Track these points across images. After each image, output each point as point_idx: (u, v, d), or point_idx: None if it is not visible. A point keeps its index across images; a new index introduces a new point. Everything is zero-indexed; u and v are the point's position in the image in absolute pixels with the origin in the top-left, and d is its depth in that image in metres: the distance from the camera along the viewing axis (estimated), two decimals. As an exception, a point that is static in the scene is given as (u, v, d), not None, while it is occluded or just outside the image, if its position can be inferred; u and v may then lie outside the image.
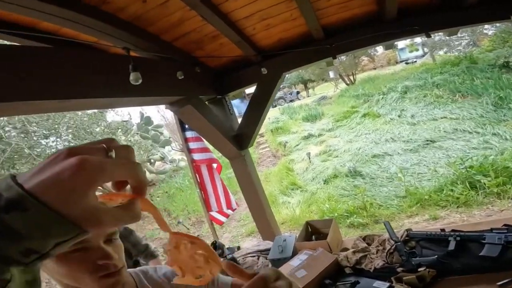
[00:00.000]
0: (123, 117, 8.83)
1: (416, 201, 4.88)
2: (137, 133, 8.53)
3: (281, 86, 4.25)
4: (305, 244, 2.00)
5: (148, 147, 7.98)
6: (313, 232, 2.29)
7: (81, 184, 0.26)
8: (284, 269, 1.73)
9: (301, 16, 1.95)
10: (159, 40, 1.86)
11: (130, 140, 7.63)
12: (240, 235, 5.88)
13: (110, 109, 7.58)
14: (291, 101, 17.73)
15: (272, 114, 12.35)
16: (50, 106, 1.19)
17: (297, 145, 9.48)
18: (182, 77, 1.75)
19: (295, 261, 1.81)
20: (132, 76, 1.27)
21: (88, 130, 6.05)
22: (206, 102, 2.43)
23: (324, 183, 6.71)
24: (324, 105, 12.98)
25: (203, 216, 6.72)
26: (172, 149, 11.23)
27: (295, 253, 1.95)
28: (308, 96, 19.68)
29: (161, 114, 13.74)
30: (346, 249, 1.89)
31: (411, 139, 7.26)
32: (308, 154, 8.24)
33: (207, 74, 2.40)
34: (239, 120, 2.59)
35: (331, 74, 17.89)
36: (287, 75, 2.68)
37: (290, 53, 2.31)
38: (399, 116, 8.67)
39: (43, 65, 1.14)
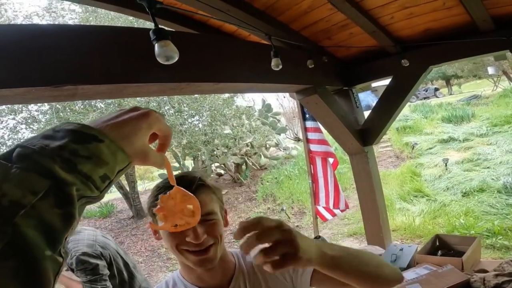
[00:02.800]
0: (248, 103, 9.83)
1: None
2: (258, 119, 9.30)
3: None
4: (428, 258, 1.76)
5: (265, 133, 8.60)
6: (440, 247, 1.98)
7: (143, 126, 0.37)
8: (396, 280, 1.58)
9: (459, 5, 1.70)
10: (288, 29, 1.95)
11: (252, 125, 8.42)
12: (341, 234, 5.66)
13: (239, 95, 8.54)
14: (425, 98, 15.24)
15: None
16: (205, 88, 1.48)
17: (431, 148, 8.11)
18: (313, 65, 1.79)
19: (410, 274, 1.63)
20: (273, 62, 1.39)
21: (222, 113, 7.08)
22: (332, 92, 2.40)
23: (463, 196, 5.60)
24: (476, 105, 10.46)
25: (306, 207, 6.79)
26: (287, 137, 11.70)
27: (411, 265, 1.75)
28: (451, 94, 16.50)
29: (279, 103, 14.47)
30: (484, 271, 1.58)
31: None
32: (445, 160, 6.92)
33: (334, 64, 2.36)
34: (366, 114, 2.45)
35: (490, 70, 14.04)
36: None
37: (440, 44, 2.00)
38: None
39: (200, 50, 1.41)
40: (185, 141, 6.71)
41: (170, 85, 1.35)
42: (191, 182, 0.69)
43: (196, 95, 6.66)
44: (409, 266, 1.73)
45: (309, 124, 2.75)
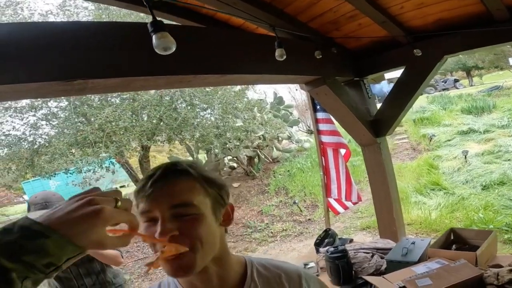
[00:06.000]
0: (260, 96, 9.81)
1: None
2: (270, 112, 9.27)
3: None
4: (441, 252, 1.72)
5: (277, 125, 8.58)
6: (455, 241, 1.93)
7: (95, 224, 0.40)
8: (403, 274, 1.56)
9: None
10: (296, 21, 1.93)
11: (263, 117, 8.40)
12: (353, 228, 5.59)
13: (250, 88, 8.52)
14: (444, 89, 14.74)
15: (417, 103, 10.53)
16: (212, 80, 1.49)
17: (449, 140, 7.87)
18: (320, 56, 1.77)
19: (421, 268, 1.59)
20: (277, 52, 1.39)
21: (234, 106, 7.09)
22: (342, 83, 2.37)
23: (483, 189, 5.43)
24: (497, 96, 10.05)
25: (319, 200, 6.74)
26: (299, 129, 11.62)
27: (423, 259, 1.71)
28: (472, 85, 15.91)
29: (291, 95, 14.39)
30: (499, 266, 1.53)
31: None
32: (465, 152, 6.69)
33: (344, 55, 2.33)
34: (378, 106, 2.40)
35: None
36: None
37: (455, 34, 1.94)
38: None
39: (205, 43, 1.42)
40: (198, 135, 6.78)
41: (177, 78, 1.37)
42: (160, 168, 0.60)
43: (207, 89, 6.71)
44: (420, 260, 1.69)
45: (320, 115, 2.72)
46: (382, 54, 2.26)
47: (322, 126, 2.74)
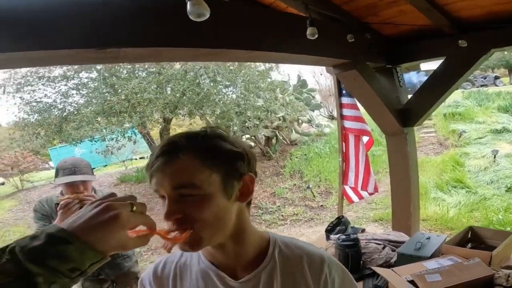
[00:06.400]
0: (283, 78, 9.62)
1: None
2: (292, 94, 9.13)
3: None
4: (456, 249, 1.69)
5: (299, 108, 8.45)
6: (472, 239, 1.89)
7: (113, 230, 0.43)
8: (414, 268, 1.55)
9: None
10: (329, 2, 1.86)
11: (285, 99, 8.29)
12: (366, 219, 5.55)
13: (274, 69, 8.37)
14: (483, 85, 13.81)
15: (451, 97, 9.94)
16: (239, 55, 1.48)
17: (480, 138, 7.47)
18: (353, 40, 1.72)
19: (432, 264, 1.57)
20: (309, 31, 1.36)
21: (256, 85, 7.03)
22: (373, 69, 2.29)
23: (507, 191, 5.24)
24: (538, 97, 9.26)
25: (333, 188, 6.66)
26: (320, 114, 11.40)
27: (435, 255, 1.69)
28: None
29: (315, 80, 14.05)
30: (511, 268, 1.49)
31: None
32: (495, 151, 6.35)
33: (378, 41, 2.24)
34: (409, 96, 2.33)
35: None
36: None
37: (504, 28, 1.82)
38: None
39: (235, 18, 1.40)
40: (218, 111, 6.83)
41: (204, 51, 1.37)
42: (163, 145, 0.58)
43: (231, 67, 6.66)
44: (433, 256, 1.67)
45: (345, 100, 2.64)
46: (419, 42, 2.17)
47: (346, 112, 2.67)
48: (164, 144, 0.58)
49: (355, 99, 2.53)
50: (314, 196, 6.68)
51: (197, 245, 0.56)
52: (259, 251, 0.65)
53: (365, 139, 2.68)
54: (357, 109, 2.62)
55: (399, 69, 2.37)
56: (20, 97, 6.28)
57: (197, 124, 9.22)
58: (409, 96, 2.34)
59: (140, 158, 11.24)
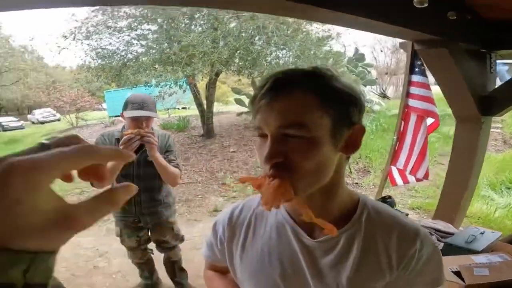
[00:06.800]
0: (341, 49, 9.03)
1: None
2: (346, 66, 8.60)
3: None
4: (508, 246, 1.63)
5: (350, 80, 8.03)
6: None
7: (17, 197, 0.19)
8: (462, 260, 1.53)
9: None
10: None
11: (338, 70, 7.88)
12: (402, 205, 5.30)
13: (335, 38, 7.84)
14: None
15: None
16: (322, 15, 1.42)
17: (553, 141, 6.58)
18: (454, 17, 1.56)
19: (481, 259, 1.55)
20: None
21: (311, 52, 6.73)
22: (464, 51, 2.08)
23: None
24: None
25: (372, 167, 6.43)
26: (372, 90, 10.72)
27: (485, 251, 1.65)
28: None
29: (374, 56, 13.15)
30: None
31: None
32: None
33: (476, 23, 1.99)
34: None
35: None
36: None
37: None
38: None
39: None
40: (266, 73, 6.77)
41: (284, 4, 1.27)
42: (272, 77, 0.51)
43: (288, 31, 6.44)
44: (483, 252, 1.63)
45: (416, 78, 2.43)
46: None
47: (414, 90, 2.47)
48: (275, 77, 0.50)
49: (428, 78, 2.33)
50: (350, 172, 6.52)
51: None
52: (345, 211, 0.58)
53: (429, 121, 2.50)
54: (428, 89, 2.41)
55: (493, 55, 2.13)
56: (88, 44, 6.85)
57: (243, 83, 9.23)
58: (498, 84, 2.12)
59: (182, 108, 11.64)
